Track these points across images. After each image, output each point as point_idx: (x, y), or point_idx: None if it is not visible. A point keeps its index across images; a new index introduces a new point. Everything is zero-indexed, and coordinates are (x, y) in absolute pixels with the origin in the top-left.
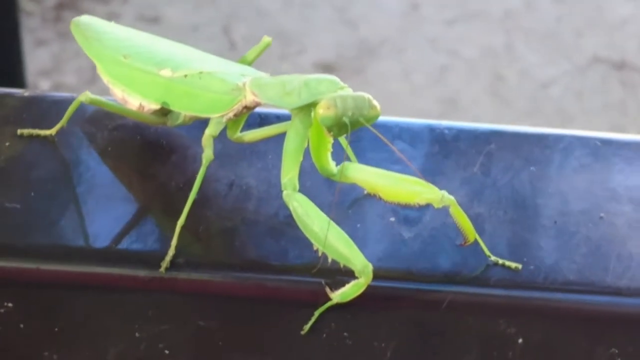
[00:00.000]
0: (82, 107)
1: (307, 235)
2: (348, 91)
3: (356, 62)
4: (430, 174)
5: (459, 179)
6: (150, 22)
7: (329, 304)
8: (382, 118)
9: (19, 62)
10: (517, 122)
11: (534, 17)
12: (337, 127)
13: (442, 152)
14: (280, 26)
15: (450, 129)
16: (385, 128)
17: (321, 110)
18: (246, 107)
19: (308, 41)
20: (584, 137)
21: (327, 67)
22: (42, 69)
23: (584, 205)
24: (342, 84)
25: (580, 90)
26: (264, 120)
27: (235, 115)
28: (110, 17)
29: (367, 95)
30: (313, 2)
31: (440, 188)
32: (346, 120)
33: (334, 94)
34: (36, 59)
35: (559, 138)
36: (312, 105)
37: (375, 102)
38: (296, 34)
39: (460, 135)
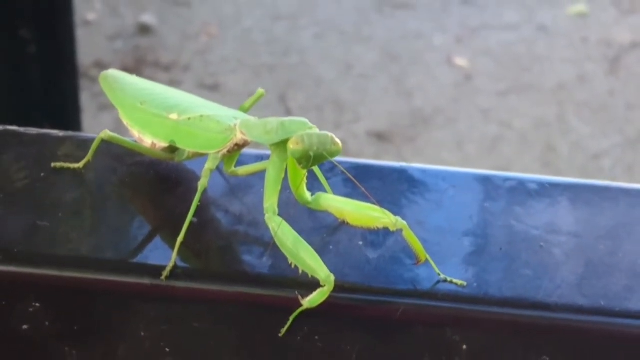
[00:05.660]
0: (108, 146)
1: (283, 250)
2: (315, 130)
3: (409, 131)
4: (396, 207)
5: (423, 212)
6: (210, 89)
7: (300, 309)
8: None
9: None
10: None
11: (586, 89)
12: (305, 159)
13: (411, 189)
14: (336, 95)
15: (420, 171)
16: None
17: (291, 145)
18: (237, 145)
19: (363, 110)
20: (535, 180)
21: (380, 136)
22: None
23: (527, 235)
24: (310, 124)
25: (631, 164)
26: (259, 160)
27: (228, 151)
28: (172, 84)
29: (330, 134)
30: (369, 72)
31: (403, 217)
32: (311, 154)
33: (303, 132)
34: (99, 123)
35: (511, 179)
36: (286, 142)
37: (337, 140)
38: (351, 102)
39: (427, 175)
